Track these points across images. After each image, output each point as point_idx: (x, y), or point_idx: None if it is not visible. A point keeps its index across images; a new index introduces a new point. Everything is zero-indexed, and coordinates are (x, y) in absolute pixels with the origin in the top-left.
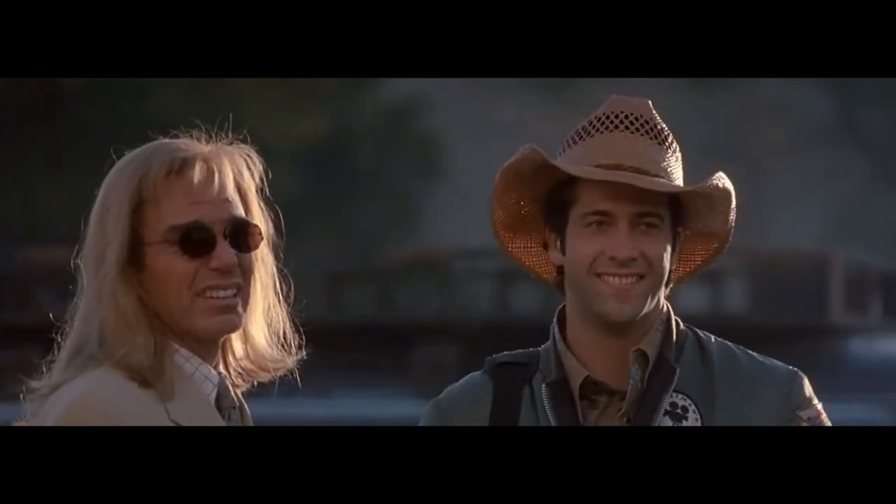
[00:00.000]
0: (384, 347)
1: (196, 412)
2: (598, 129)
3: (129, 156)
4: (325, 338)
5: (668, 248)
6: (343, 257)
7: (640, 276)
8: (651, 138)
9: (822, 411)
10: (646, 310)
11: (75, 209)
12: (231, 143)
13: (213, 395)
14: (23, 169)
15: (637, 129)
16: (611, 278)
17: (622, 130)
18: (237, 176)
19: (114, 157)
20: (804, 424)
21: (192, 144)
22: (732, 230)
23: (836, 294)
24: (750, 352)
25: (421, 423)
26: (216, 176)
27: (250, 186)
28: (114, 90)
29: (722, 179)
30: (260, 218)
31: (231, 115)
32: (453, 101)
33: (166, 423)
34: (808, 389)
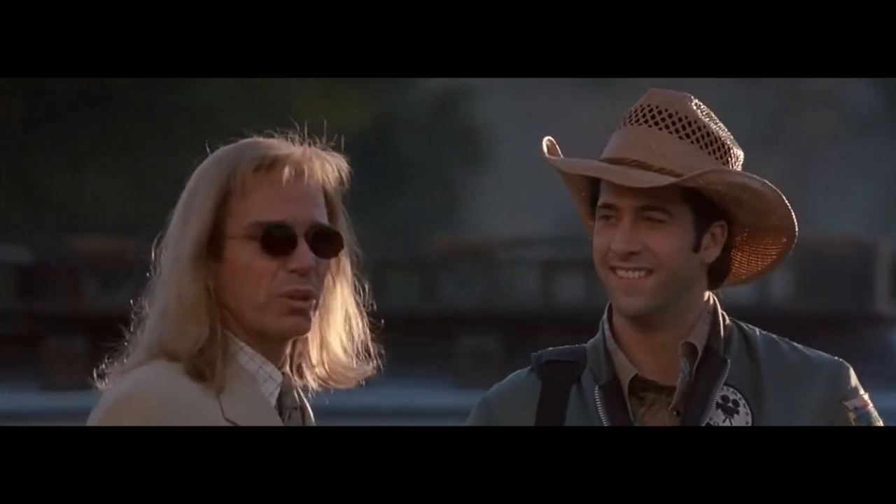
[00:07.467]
0: (428, 336)
1: (254, 411)
2: (625, 123)
3: (221, 149)
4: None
5: (683, 243)
6: (388, 247)
7: (649, 271)
8: (672, 132)
9: (869, 401)
10: (659, 303)
11: (123, 199)
12: (324, 149)
13: (276, 394)
14: (72, 159)
15: (657, 123)
16: (620, 271)
17: (642, 124)
18: (326, 182)
19: (208, 150)
20: (851, 415)
21: (285, 145)
22: (796, 223)
23: (881, 283)
24: (794, 344)
25: (469, 421)
26: (305, 177)
27: (338, 195)
28: (162, 83)
29: (722, 174)
30: (344, 227)
31: (277, 105)
32: (498, 91)
33: (220, 420)
34: (854, 380)
